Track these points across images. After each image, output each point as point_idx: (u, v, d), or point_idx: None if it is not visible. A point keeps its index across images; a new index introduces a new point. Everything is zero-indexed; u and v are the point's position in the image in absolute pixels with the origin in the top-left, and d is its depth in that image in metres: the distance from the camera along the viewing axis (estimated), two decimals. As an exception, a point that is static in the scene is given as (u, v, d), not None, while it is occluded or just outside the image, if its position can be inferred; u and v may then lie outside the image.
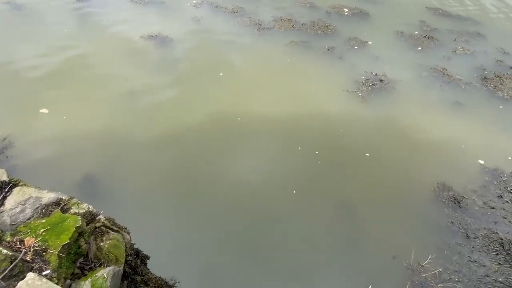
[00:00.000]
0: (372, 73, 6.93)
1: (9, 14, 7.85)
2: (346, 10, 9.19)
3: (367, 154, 5.29)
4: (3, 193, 2.51)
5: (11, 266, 1.61)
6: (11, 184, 2.61)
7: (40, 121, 5.45)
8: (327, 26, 8.35)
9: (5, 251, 1.66)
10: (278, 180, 4.67)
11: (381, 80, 6.70)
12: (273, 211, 4.35)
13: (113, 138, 5.35)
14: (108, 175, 4.76)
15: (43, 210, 2.17)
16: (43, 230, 2.02)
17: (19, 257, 1.68)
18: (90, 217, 2.36)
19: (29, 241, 1.93)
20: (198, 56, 7.20)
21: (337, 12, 9.11)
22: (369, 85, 6.53)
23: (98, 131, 5.42)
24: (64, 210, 2.32)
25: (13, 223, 2.05)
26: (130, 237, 2.56)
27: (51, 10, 8.20)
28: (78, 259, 2.14)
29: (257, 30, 8.07)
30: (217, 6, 9.00)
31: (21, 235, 1.98)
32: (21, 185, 2.65)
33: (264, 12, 8.91)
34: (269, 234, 4.15)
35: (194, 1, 9.14)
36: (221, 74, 6.80)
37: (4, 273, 1.58)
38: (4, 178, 2.66)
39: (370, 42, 7.92)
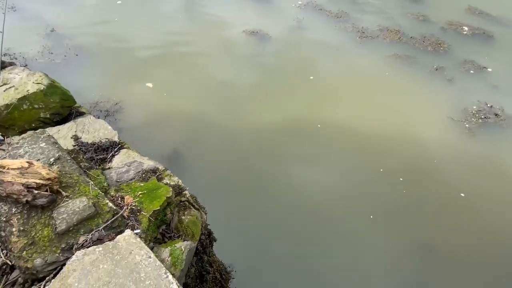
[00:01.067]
0: (486, 104, 6.00)
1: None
2: (466, 28, 8.13)
3: (463, 195, 4.61)
4: (113, 152, 2.87)
5: (112, 218, 1.81)
6: (119, 145, 2.97)
7: (145, 94, 6.13)
8: (439, 44, 7.51)
9: (110, 205, 1.86)
10: (353, 200, 4.38)
11: (496, 114, 5.75)
12: (342, 231, 4.09)
13: (201, 121, 5.72)
14: (191, 154, 5.11)
15: (143, 175, 2.40)
16: (140, 192, 2.22)
17: (120, 213, 1.88)
18: (178, 190, 2.52)
19: (128, 199, 2.15)
20: (294, 56, 7.20)
21: (455, 29, 8.11)
22: (480, 117, 5.66)
23: (190, 112, 5.85)
24: (159, 179, 2.53)
25: (118, 181, 2.31)
26: (206, 218, 2.67)
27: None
28: (161, 225, 2.31)
29: (359, 37, 7.70)
30: (321, 9, 8.86)
31: (122, 192, 2.22)
32: (127, 148, 2.99)
33: (369, 20, 8.45)
34: (333, 255, 3.91)
35: (300, 2, 9.16)
36: (312, 77, 6.69)
37: (106, 223, 1.78)
38: (115, 139, 3.04)
39: (489, 69, 6.86)
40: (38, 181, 1.70)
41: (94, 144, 2.87)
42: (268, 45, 7.51)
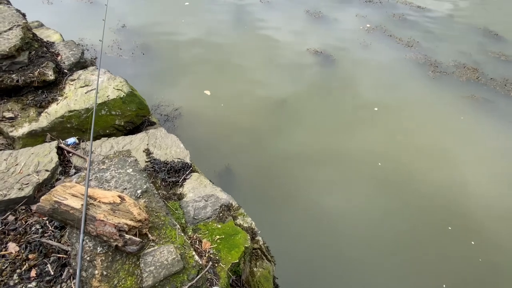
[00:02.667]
0: None
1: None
2: (556, 76, 7.26)
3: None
4: (185, 175, 2.71)
5: (197, 277, 1.60)
6: (191, 168, 2.82)
7: (202, 101, 6.05)
8: (524, 90, 6.76)
9: (197, 258, 1.66)
10: (420, 263, 3.91)
11: None
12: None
13: (254, 138, 5.51)
14: (241, 172, 4.91)
15: (220, 214, 2.19)
16: (218, 237, 2.02)
17: (205, 270, 1.67)
18: (251, 235, 2.29)
19: (206, 244, 1.95)
20: (357, 84, 6.82)
21: (543, 76, 7.29)
22: None
23: (244, 127, 5.66)
24: (233, 217, 2.32)
25: (195, 218, 2.13)
26: (275, 269, 2.41)
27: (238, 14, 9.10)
28: (231, 276, 2.09)
29: (432, 72, 7.15)
30: (391, 35, 8.40)
31: (200, 233, 2.02)
32: (199, 173, 2.83)
33: (444, 53, 7.85)
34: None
35: (368, 25, 8.76)
36: (376, 109, 6.27)
37: (192, 282, 1.57)
38: (187, 160, 2.88)
39: None
40: (129, 222, 1.53)
41: (167, 164, 2.73)
42: (332, 67, 7.19)
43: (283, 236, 3.96)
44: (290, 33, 8.23)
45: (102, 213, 1.53)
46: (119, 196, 1.62)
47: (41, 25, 4.31)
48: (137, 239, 1.51)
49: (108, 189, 1.82)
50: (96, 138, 3.06)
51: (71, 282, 1.86)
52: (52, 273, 1.87)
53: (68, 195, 1.59)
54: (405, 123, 5.96)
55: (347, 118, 6.03)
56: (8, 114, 2.87)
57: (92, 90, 3.17)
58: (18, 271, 1.88)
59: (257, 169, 5.03)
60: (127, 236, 1.48)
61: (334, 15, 9.14)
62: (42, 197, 1.60)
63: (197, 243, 1.94)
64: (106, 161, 2.00)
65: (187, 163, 2.82)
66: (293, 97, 6.37)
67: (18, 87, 3.04)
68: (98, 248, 1.56)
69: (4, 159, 2.43)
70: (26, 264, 1.90)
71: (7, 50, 2.94)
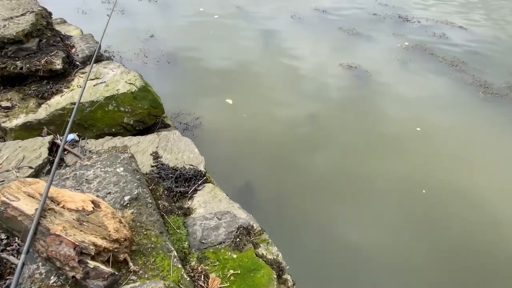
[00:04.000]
0: None
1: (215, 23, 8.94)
2: None
3: None
4: (196, 186, 2.19)
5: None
6: (204, 178, 2.29)
7: (224, 110, 5.62)
8: None
9: (198, 304, 1.09)
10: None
11: None
12: None
13: (281, 156, 4.94)
14: (263, 192, 4.33)
15: (237, 239, 1.62)
16: (232, 272, 1.44)
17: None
18: (277, 271, 1.69)
19: (215, 281, 1.37)
20: (396, 102, 6.16)
21: None
22: None
23: (267, 141, 5.13)
24: (254, 245, 1.74)
25: (202, 241, 1.57)
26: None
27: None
28: (248, 328, 1.47)
29: (482, 93, 6.38)
30: (432, 54, 7.75)
31: (207, 264, 1.45)
32: (214, 184, 2.30)
33: (494, 74, 7.07)
34: None
35: (406, 43, 8.19)
36: (419, 129, 5.55)
37: None
38: (201, 168, 2.37)
39: None
40: (99, 241, 1.00)
41: (176, 170, 2.22)
42: (367, 83, 6.61)
43: (307, 274, 3.27)
44: (322, 48, 7.81)
45: (62, 224, 1.01)
46: (93, 201, 1.11)
47: (63, 22, 4.13)
48: (107, 269, 0.97)
49: (88, 193, 1.32)
50: (99, 136, 2.63)
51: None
52: (1, 305, 1.35)
53: (23, 194, 1.10)
54: (454, 147, 5.18)
55: (383, 138, 5.35)
56: (5, 104, 2.52)
57: (101, 83, 2.79)
58: (-42, 297, 1.38)
59: (280, 189, 4.43)
60: (91, 264, 0.95)
61: (369, 32, 8.67)
62: (-12, 196, 1.11)
63: (202, 278, 1.37)
64: (94, 156, 1.52)
65: (200, 170, 2.29)
66: (324, 112, 5.81)
67: (22, 75, 2.71)
68: (52, 277, 1.03)
69: (-15, 151, 2.03)
70: (-28, 288, 1.40)
71: (14, 34, 2.65)
